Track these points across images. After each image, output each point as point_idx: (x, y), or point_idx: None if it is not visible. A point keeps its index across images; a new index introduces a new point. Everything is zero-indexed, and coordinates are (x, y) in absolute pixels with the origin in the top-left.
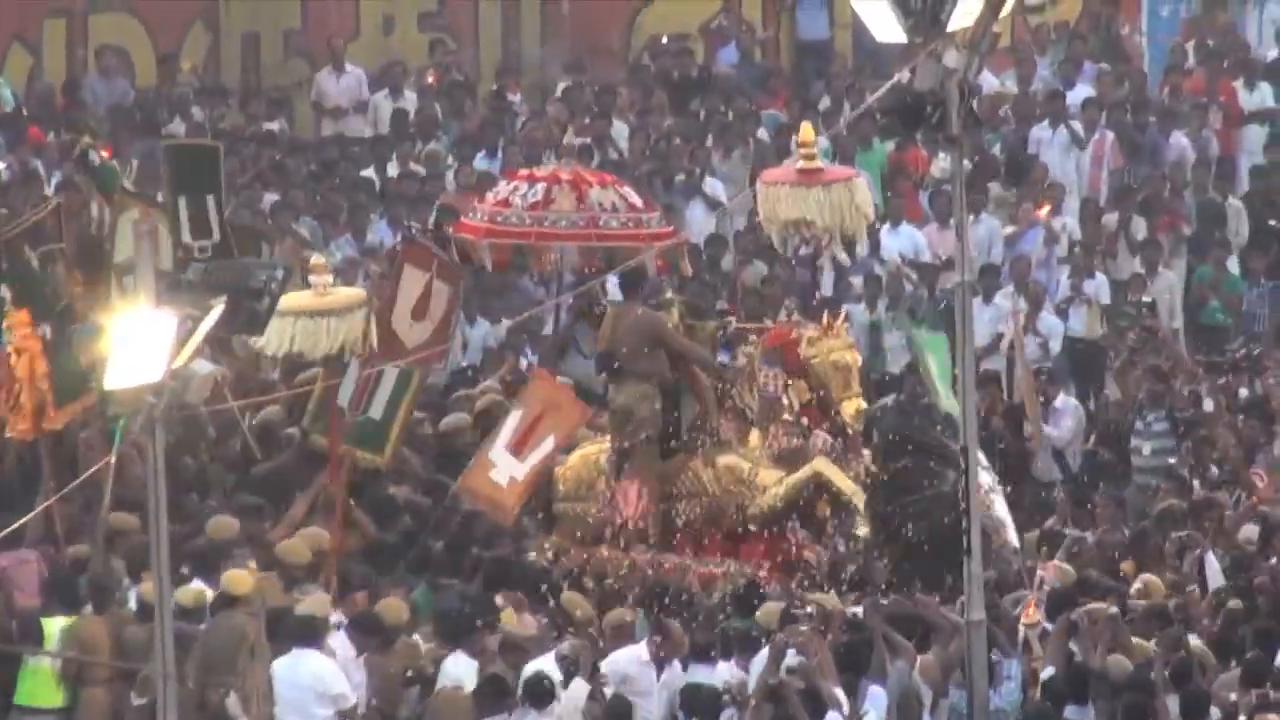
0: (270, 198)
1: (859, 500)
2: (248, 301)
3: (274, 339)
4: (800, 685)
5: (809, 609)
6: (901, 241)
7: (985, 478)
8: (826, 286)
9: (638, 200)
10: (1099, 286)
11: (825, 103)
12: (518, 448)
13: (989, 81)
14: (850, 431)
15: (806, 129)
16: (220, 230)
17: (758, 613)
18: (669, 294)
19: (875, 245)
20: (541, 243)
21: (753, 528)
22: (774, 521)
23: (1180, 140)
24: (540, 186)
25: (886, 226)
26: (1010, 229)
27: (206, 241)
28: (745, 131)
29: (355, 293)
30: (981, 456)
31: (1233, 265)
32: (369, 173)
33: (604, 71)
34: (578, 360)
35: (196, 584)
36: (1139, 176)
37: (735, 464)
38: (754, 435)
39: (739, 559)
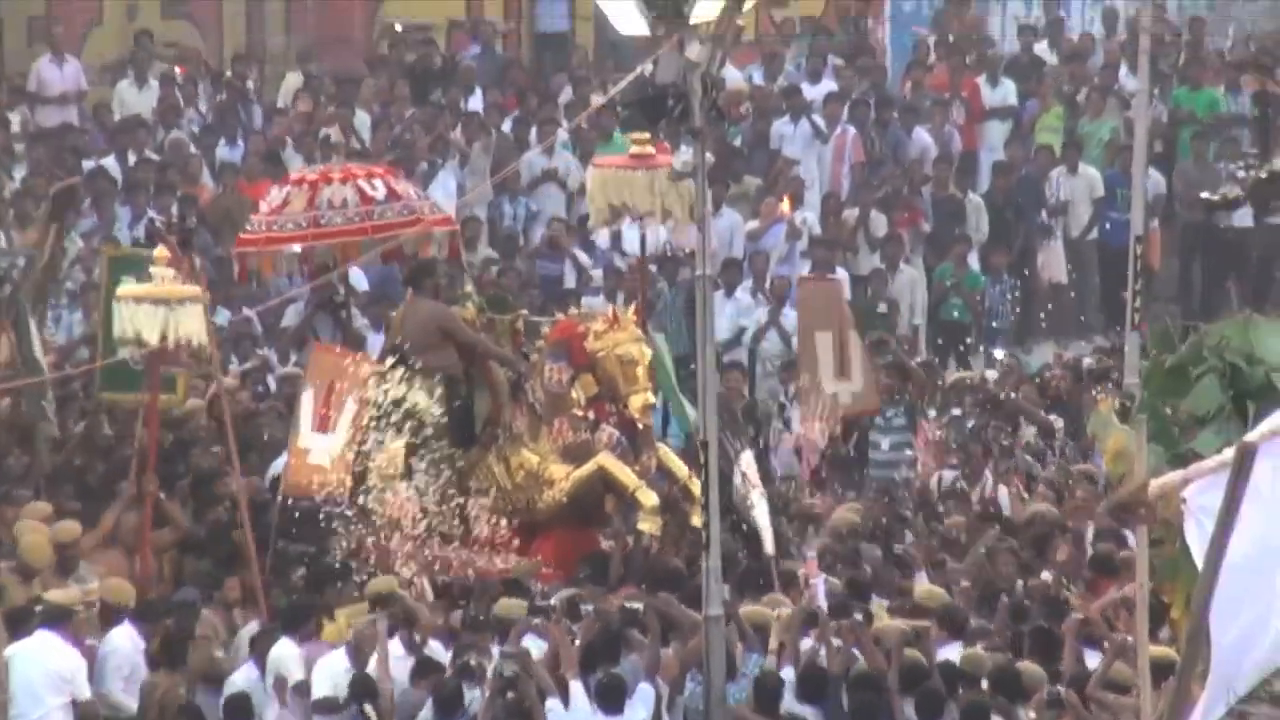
0: (11, 185)
1: (642, 496)
2: None
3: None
4: (515, 671)
5: (553, 601)
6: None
7: (738, 480)
8: (569, 279)
9: (381, 193)
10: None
11: (566, 95)
12: (323, 425)
13: (732, 75)
14: (640, 426)
15: None
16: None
17: (496, 605)
18: (468, 288)
19: (616, 237)
20: (269, 248)
21: (542, 522)
22: (562, 516)
23: (922, 136)
24: (287, 189)
25: (627, 219)
26: (752, 224)
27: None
28: (488, 123)
29: (190, 288)
30: (748, 458)
31: (973, 262)
32: (109, 161)
33: (345, 61)
34: None
35: None
36: (880, 172)
37: (526, 458)
38: (544, 430)
39: (530, 555)
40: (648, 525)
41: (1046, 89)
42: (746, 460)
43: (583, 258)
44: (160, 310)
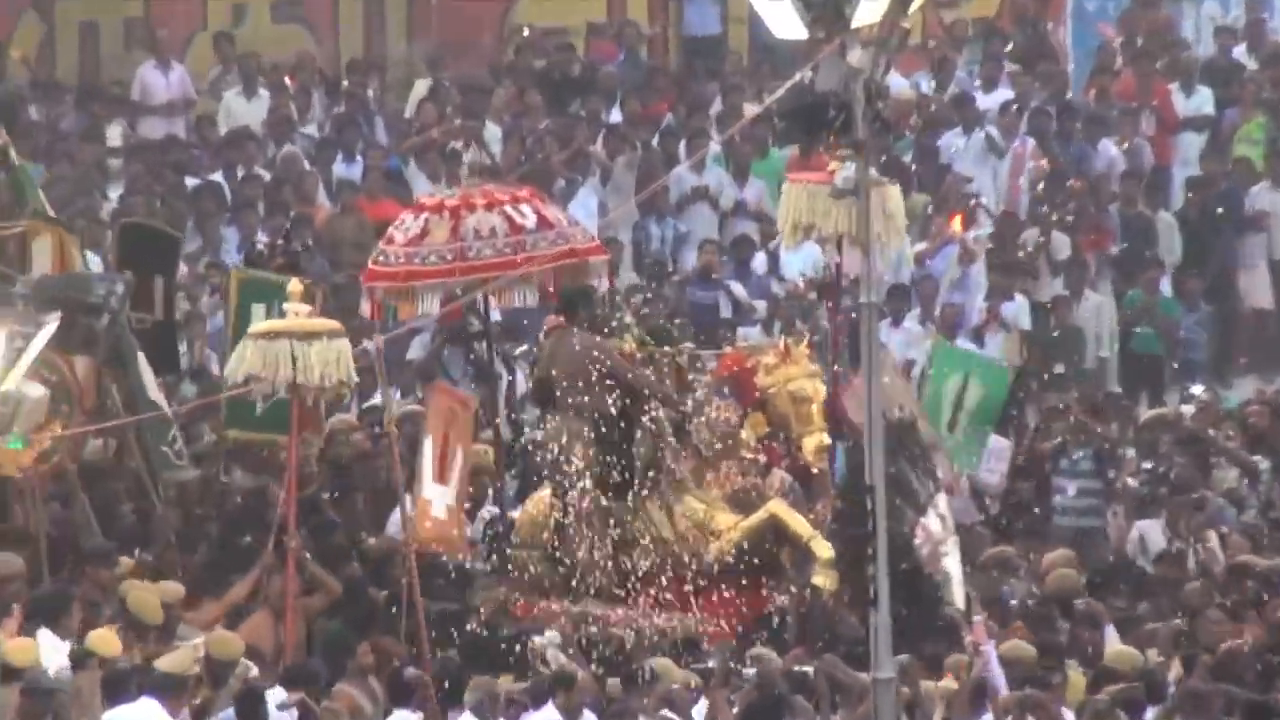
0: (109, 205)
1: (818, 547)
2: (84, 318)
3: (253, 362)
4: None
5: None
6: (803, 259)
7: (935, 526)
8: (724, 309)
9: (531, 220)
10: (1018, 310)
11: (717, 105)
12: (441, 475)
13: (898, 83)
14: (814, 470)
15: None
16: (165, 310)
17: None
18: (627, 318)
19: (775, 264)
20: (409, 283)
21: (709, 577)
22: (731, 570)
23: (1108, 149)
24: (424, 217)
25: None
26: (921, 245)
27: (147, 316)
28: (631, 136)
29: (330, 321)
30: (942, 502)
31: (1166, 287)
32: (217, 177)
33: (472, 68)
34: None
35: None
36: (1063, 189)
37: (691, 506)
38: (710, 474)
39: (696, 612)
40: (823, 580)
41: (1246, 96)
42: (943, 504)
43: (736, 288)
44: (297, 347)
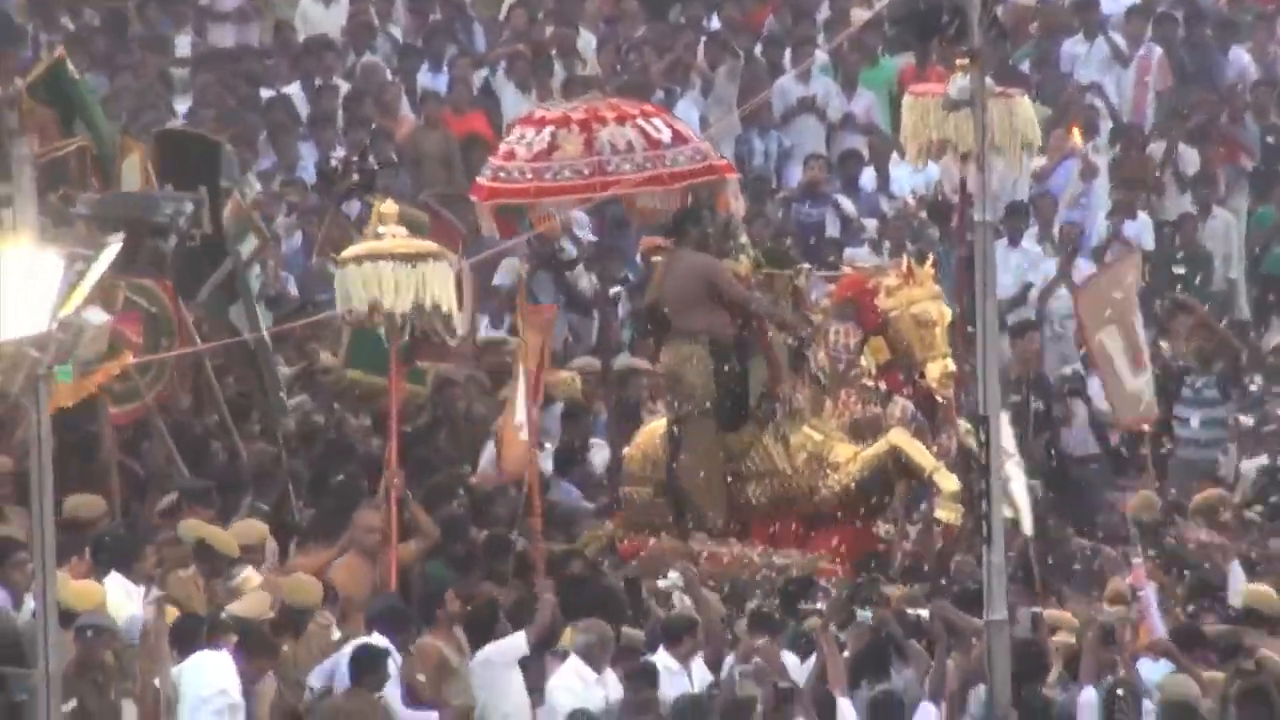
0: (176, 121)
1: (941, 479)
2: (150, 239)
3: (357, 289)
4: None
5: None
6: (913, 175)
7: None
8: (831, 227)
9: (666, 134)
10: (1141, 229)
11: (825, 11)
12: (536, 395)
13: None
14: (939, 398)
15: None
16: (214, 223)
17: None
18: (742, 238)
19: (885, 181)
20: (541, 199)
21: (826, 512)
22: (849, 505)
23: (1241, 56)
24: (548, 131)
25: (896, 157)
26: (1039, 161)
27: (195, 230)
28: (734, 44)
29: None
30: (1005, 425)
31: None
32: (292, 90)
33: None
34: None
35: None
36: (1192, 99)
37: (808, 437)
38: (828, 403)
39: (811, 549)
40: (946, 513)
41: None
42: (1005, 428)
43: (845, 203)
44: (401, 270)
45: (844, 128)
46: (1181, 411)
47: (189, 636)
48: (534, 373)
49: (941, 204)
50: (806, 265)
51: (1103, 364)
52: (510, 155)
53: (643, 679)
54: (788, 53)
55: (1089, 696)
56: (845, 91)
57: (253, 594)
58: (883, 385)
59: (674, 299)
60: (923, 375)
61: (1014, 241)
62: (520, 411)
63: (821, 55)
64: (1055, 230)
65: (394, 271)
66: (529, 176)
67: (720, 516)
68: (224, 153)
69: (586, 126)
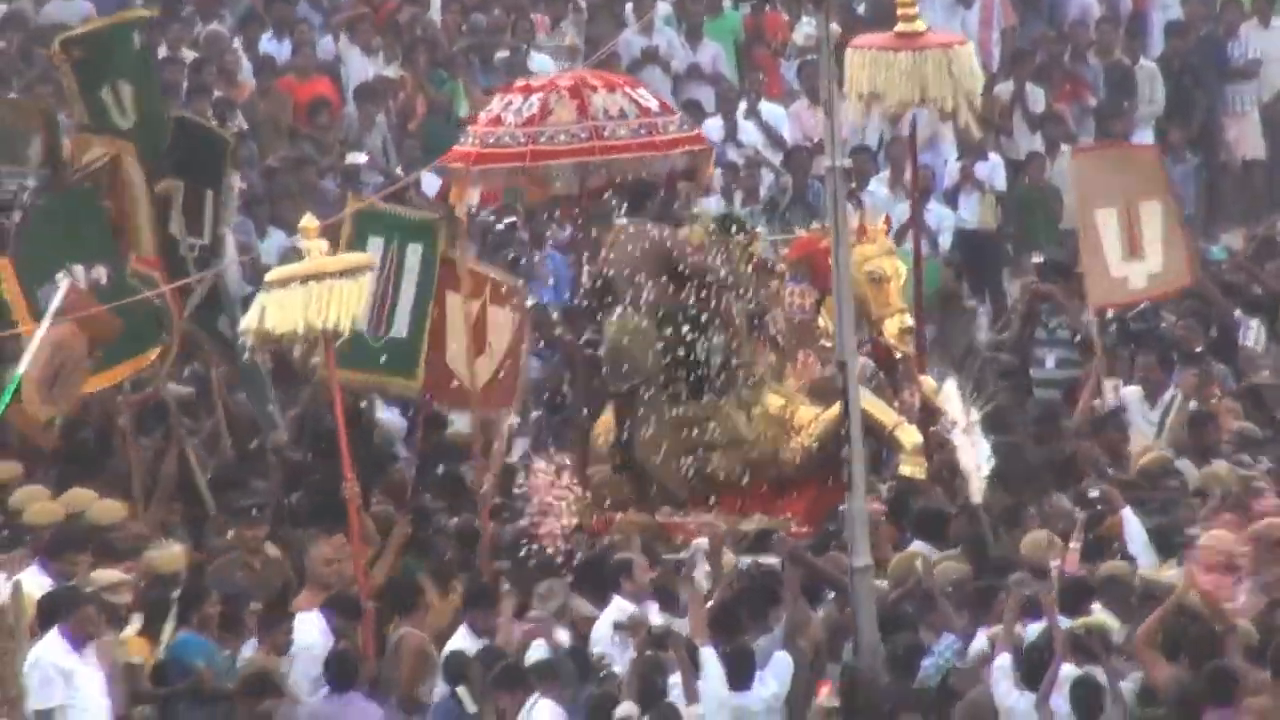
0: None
1: (902, 434)
2: None
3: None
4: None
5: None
6: (758, 124)
7: (951, 409)
8: None
9: (653, 103)
10: (993, 169)
11: None
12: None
13: None
14: (897, 354)
15: None
16: (213, 233)
17: None
18: (695, 208)
19: (732, 130)
20: (538, 162)
21: (791, 475)
22: (813, 467)
23: None
24: (536, 98)
25: (743, 105)
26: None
27: (195, 240)
28: None
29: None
30: (950, 388)
31: (1147, 138)
32: None
33: None
34: None
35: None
36: (1034, 37)
37: (770, 402)
38: (788, 366)
39: (778, 513)
40: (911, 468)
41: None
42: (948, 391)
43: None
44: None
45: (689, 78)
46: (1037, 353)
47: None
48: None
49: (792, 149)
50: (759, 229)
51: (1089, 240)
52: (497, 121)
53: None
54: (629, 4)
55: (1004, 661)
56: (690, 42)
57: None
58: None
59: (623, 271)
60: (880, 332)
61: (861, 186)
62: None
63: (664, 6)
64: (907, 174)
65: (320, 292)
66: (523, 140)
67: (684, 489)
68: (229, 150)
69: (577, 93)
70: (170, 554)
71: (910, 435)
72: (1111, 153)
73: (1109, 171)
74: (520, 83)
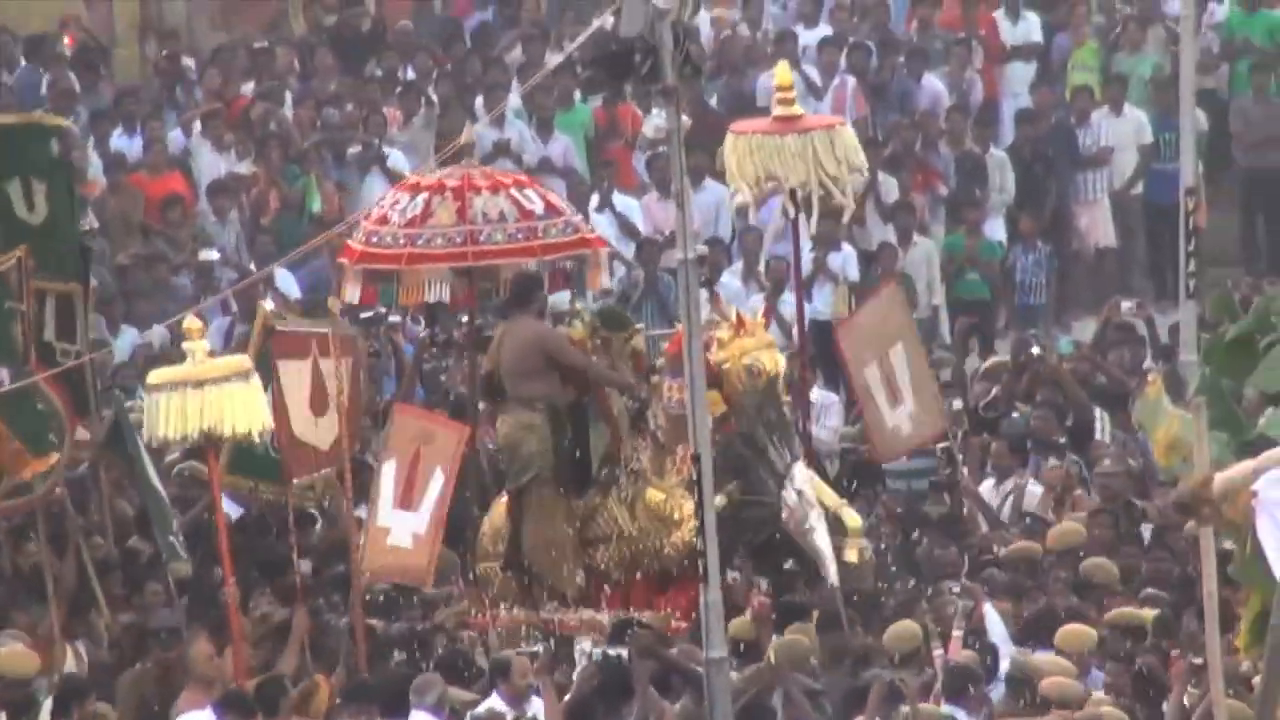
0: None
1: (848, 518)
2: None
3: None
4: None
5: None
6: (610, 218)
7: (793, 499)
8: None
9: (538, 205)
10: (846, 260)
11: (517, 54)
12: (405, 500)
13: (709, 22)
14: None
15: (783, 70)
16: (83, 337)
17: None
18: (577, 305)
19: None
20: (413, 265)
21: (671, 570)
22: (693, 560)
23: (934, 83)
24: (421, 198)
25: (595, 198)
26: (741, 197)
27: (69, 345)
28: (425, 92)
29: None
30: (799, 474)
31: (998, 227)
32: None
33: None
34: None
35: None
36: (886, 127)
37: (651, 498)
38: (668, 461)
39: (661, 607)
40: (852, 552)
41: (1077, 21)
42: (801, 475)
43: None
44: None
45: (541, 171)
46: None
47: None
48: (406, 470)
49: (645, 241)
50: (640, 325)
51: (867, 402)
52: (383, 220)
53: None
54: (479, 98)
55: None
56: (541, 135)
57: None
58: (719, 438)
59: (511, 368)
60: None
61: (714, 278)
62: (383, 513)
63: (515, 99)
64: (761, 266)
65: (204, 397)
66: (402, 242)
67: (570, 585)
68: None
69: (460, 194)
70: (13, 653)
71: (853, 518)
72: (864, 313)
73: (867, 329)
74: (411, 180)
